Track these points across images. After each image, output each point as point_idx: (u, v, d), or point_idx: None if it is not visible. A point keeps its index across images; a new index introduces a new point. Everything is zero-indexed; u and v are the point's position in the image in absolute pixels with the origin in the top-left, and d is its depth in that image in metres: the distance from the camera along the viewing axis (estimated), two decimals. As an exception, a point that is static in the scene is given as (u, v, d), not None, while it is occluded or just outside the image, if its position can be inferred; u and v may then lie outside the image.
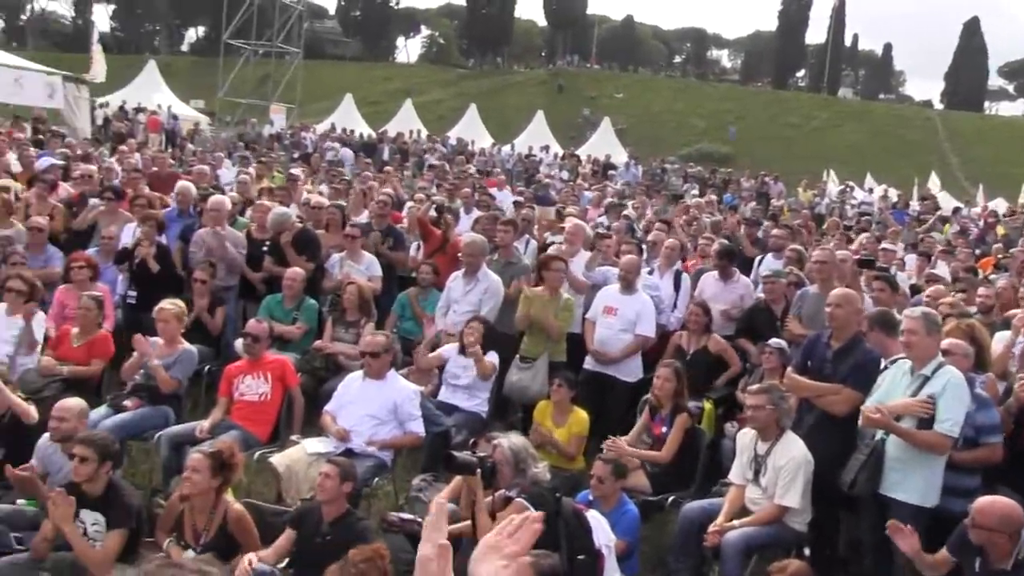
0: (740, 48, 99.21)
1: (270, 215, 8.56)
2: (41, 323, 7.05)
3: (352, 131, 33.18)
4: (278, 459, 5.84)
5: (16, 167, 11.38)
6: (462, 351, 6.97)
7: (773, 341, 6.90)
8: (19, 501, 5.35)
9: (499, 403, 7.42)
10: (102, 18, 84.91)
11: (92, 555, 4.74)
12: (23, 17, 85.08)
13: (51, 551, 4.82)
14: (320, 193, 11.86)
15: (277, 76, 46.00)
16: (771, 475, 5.36)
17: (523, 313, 7.33)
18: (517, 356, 7.31)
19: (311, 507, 5.04)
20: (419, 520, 5.23)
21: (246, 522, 4.90)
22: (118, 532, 4.84)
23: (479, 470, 4.38)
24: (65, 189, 10.09)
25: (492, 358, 6.96)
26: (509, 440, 4.92)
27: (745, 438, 5.64)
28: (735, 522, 5.34)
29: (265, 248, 8.50)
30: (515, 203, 13.32)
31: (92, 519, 4.88)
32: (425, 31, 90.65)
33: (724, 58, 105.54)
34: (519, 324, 7.40)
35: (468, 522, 4.64)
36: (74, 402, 5.54)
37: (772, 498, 5.34)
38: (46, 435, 5.47)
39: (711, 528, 5.32)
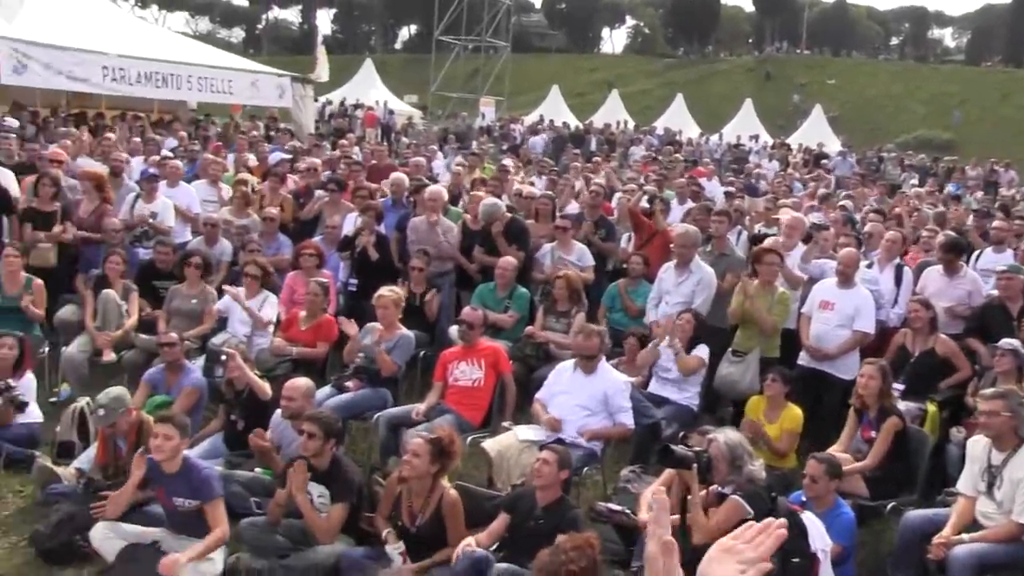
0: (966, 25, 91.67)
1: (480, 206, 8.77)
2: (274, 306, 7.59)
3: (565, 123, 33.40)
4: (490, 444, 5.96)
5: (253, 162, 12.28)
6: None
7: (1005, 342, 6.34)
8: (256, 469, 5.77)
9: (709, 397, 7.28)
10: (324, 22, 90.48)
11: (319, 524, 5.03)
12: (259, 26, 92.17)
13: (283, 517, 5.15)
14: (531, 184, 12.02)
15: (486, 70, 47.18)
16: (1007, 488, 4.94)
17: (736, 306, 7.16)
18: (729, 350, 7.15)
19: (525, 492, 5.11)
20: (627, 511, 5.22)
21: (458, 509, 5.02)
22: (341, 505, 5.09)
23: (695, 465, 4.31)
24: (293, 181, 10.79)
25: (702, 352, 6.84)
26: (725, 435, 4.80)
27: (977, 446, 5.23)
28: (964, 536, 4.95)
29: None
30: (726, 193, 13.01)
31: (318, 491, 5.16)
32: (630, 21, 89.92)
33: (947, 37, 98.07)
34: (732, 318, 7.22)
35: (676, 516, 4.58)
36: (302, 382, 5.90)
37: (1009, 514, 4.91)
38: (279, 411, 5.88)
39: (936, 540, 4.95)
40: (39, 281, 7.69)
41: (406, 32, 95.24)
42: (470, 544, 4.76)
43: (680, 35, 78.82)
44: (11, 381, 6.23)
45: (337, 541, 5.08)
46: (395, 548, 4.87)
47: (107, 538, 4.96)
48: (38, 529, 5.16)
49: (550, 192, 10.35)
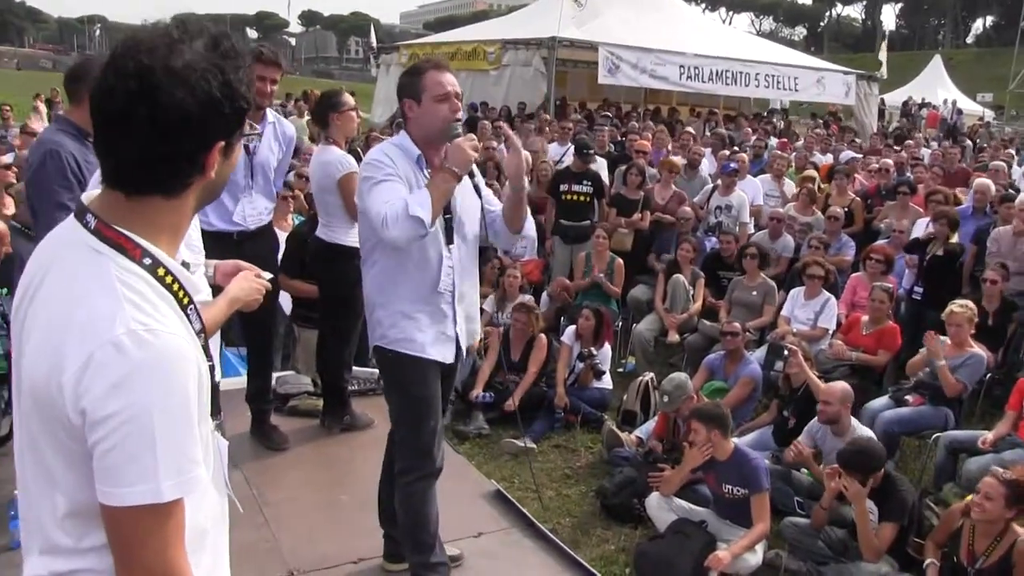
0: None
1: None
2: (833, 310, 7.47)
3: None
4: (1073, 492, 5.25)
5: (820, 160, 12.21)
6: None
7: None
8: (803, 469, 5.74)
9: None
10: (889, 17, 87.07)
11: (869, 539, 4.83)
12: (821, 24, 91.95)
13: (827, 523, 5.04)
14: None
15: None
16: None
17: None
18: None
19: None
20: None
21: None
22: (891, 525, 4.83)
23: None
24: (860, 181, 10.49)
25: None
26: None
27: None
28: None
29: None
30: None
31: (868, 508, 4.97)
32: None
33: None
34: None
35: None
36: (838, 387, 5.65)
37: None
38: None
39: None
40: (620, 261, 8.49)
41: (980, 24, 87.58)
42: None
43: None
44: (592, 349, 6.98)
45: (881, 562, 4.84)
46: None
47: (660, 508, 5.24)
48: (603, 485, 5.66)
49: None
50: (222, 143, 1.46)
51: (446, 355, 3.60)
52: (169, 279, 1.45)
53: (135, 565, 1.39)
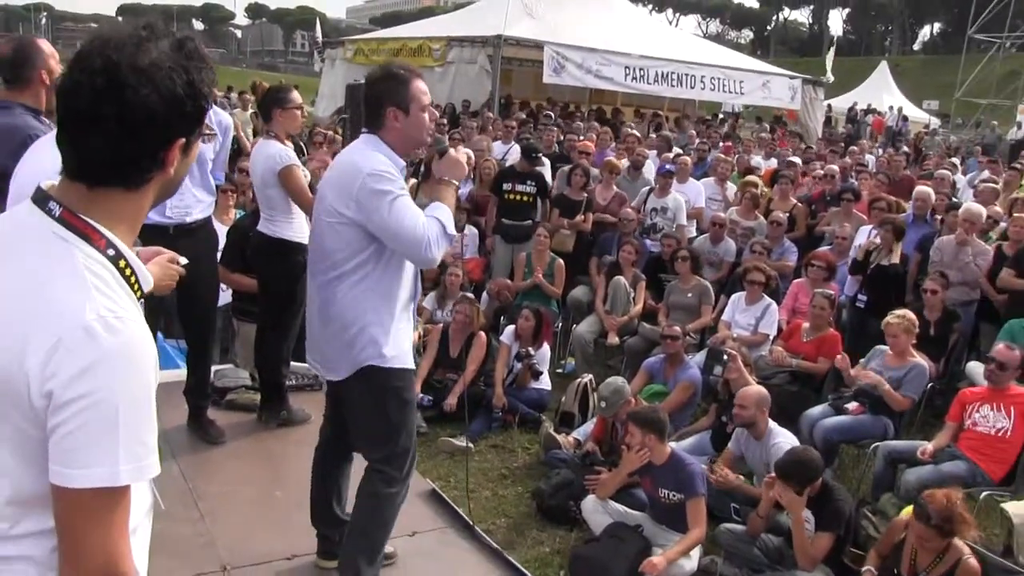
0: None
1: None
2: (774, 315, 7.40)
3: None
4: (1013, 508, 5.12)
5: (761, 165, 12.21)
6: None
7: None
8: (740, 476, 5.61)
9: None
10: (836, 22, 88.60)
11: (805, 548, 4.74)
12: (768, 28, 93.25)
13: (765, 531, 4.96)
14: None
15: (1029, 72, 41.92)
16: None
17: None
18: None
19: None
20: None
21: None
22: (828, 535, 4.77)
23: None
24: (806, 187, 10.49)
25: None
26: None
27: None
28: None
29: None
30: None
31: (804, 516, 4.89)
32: None
33: None
34: None
35: None
36: (754, 390, 5.63)
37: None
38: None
39: None
40: (560, 261, 8.43)
41: (926, 31, 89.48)
42: None
43: None
44: (531, 350, 6.91)
45: (816, 570, 4.76)
46: None
47: (596, 511, 5.18)
48: (540, 486, 5.59)
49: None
50: (183, 140, 1.51)
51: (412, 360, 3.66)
52: (128, 271, 1.49)
53: (80, 549, 1.41)
